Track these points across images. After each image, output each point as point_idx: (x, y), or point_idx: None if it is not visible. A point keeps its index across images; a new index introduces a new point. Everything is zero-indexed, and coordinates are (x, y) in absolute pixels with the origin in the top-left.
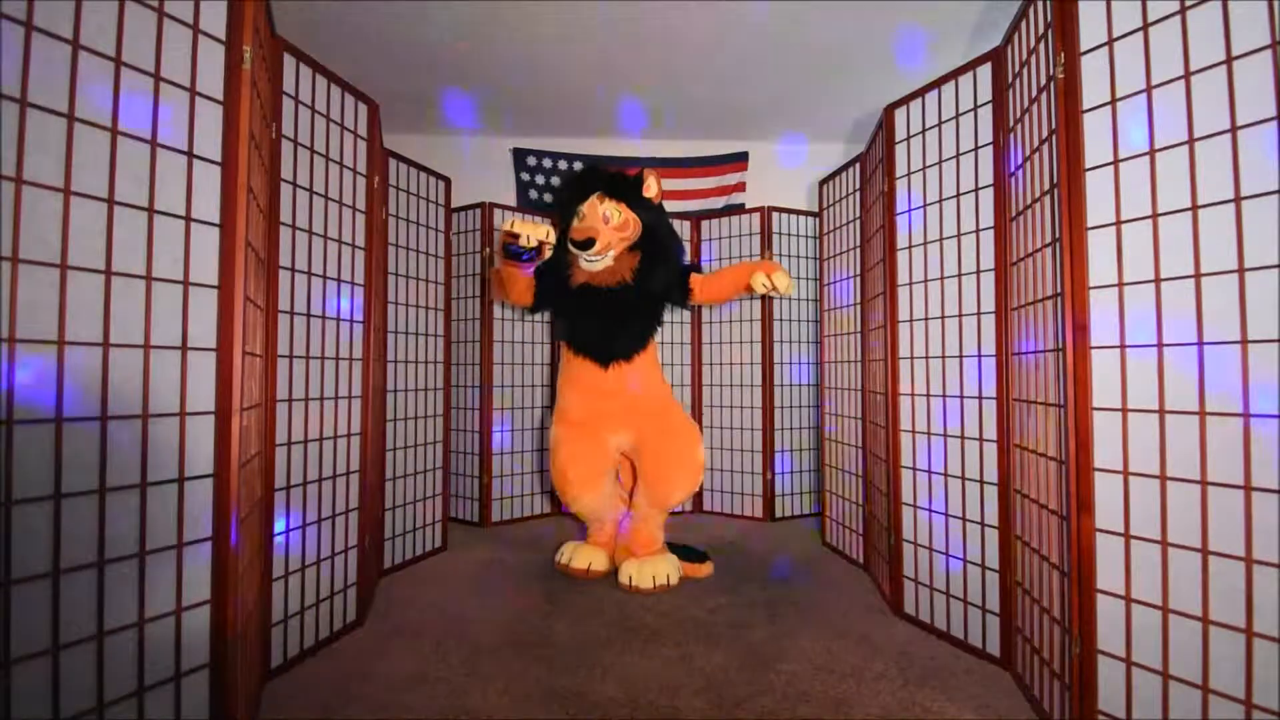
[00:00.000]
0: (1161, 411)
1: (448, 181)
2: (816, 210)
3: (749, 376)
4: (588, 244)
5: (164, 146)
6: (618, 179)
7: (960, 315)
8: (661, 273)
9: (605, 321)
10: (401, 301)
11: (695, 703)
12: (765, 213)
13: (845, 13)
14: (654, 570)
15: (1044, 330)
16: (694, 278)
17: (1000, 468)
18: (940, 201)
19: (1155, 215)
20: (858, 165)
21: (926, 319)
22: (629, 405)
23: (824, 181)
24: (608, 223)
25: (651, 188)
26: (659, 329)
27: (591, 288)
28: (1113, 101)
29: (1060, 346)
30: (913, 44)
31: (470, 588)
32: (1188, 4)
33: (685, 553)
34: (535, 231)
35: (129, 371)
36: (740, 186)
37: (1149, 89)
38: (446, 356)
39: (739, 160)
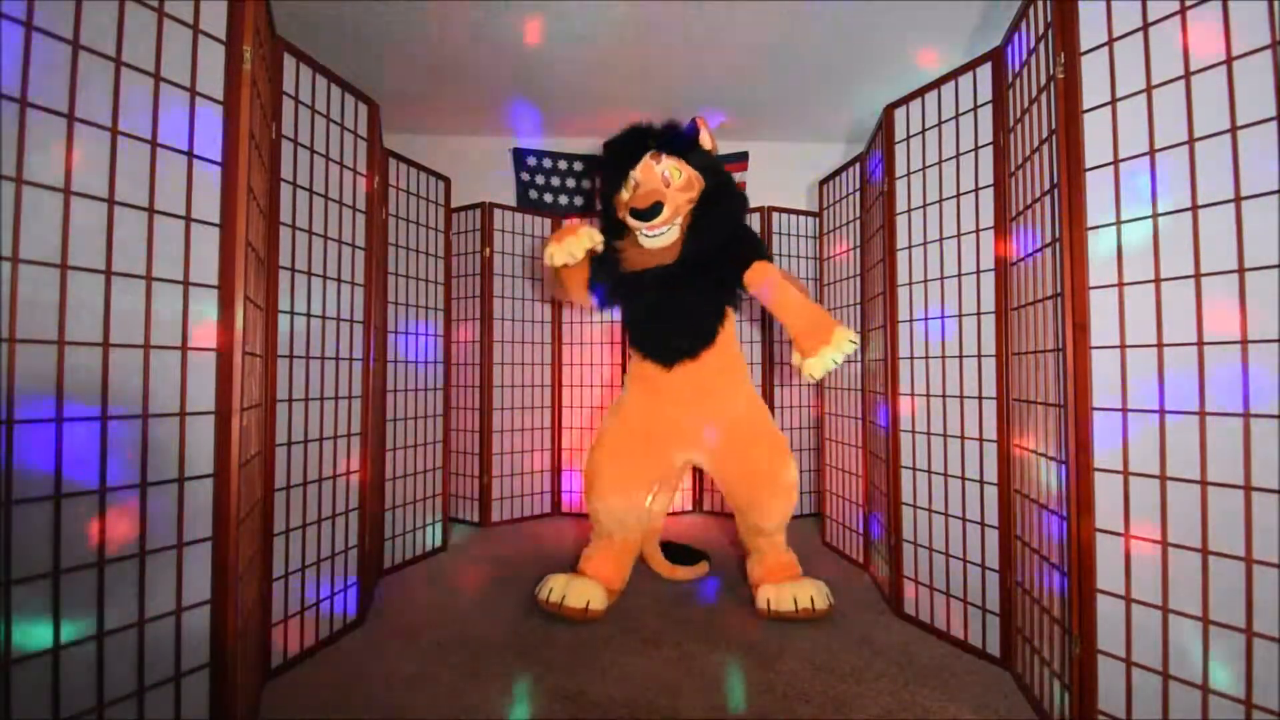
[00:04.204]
0: (1161, 411)
1: (448, 181)
2: (816, 210)
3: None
4: (654, 211)
5: (164, 146)
6: (673, 131)
7: (960, 315)
8: (709, 236)
9: (662, 311)
10: (401, 301)
11: (695, 702)
12: (765, 213)
13: (846, 13)
14: (795, 592)
15: (1044, 330)
16: (759, 265)
17: (1000, 468)
18: (940, 201)
19: (1155, 215)
20: (858, 165)
21: (926, 319)
22: (702, 415)
23: (824, 181)
24: (669, 184)
25: (707, 140)
26: (726, 317)
27: (651, 271)
28: (1113, 101)
29: (1060, 346)
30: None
31: (470, 588)
32: (1188, 4)
33: (683, 552)
34: (574, 245)
35: (129, 371)
36: (740, 186)
37: (1149, 89)
38: (447, 356)
39: (739, 160)
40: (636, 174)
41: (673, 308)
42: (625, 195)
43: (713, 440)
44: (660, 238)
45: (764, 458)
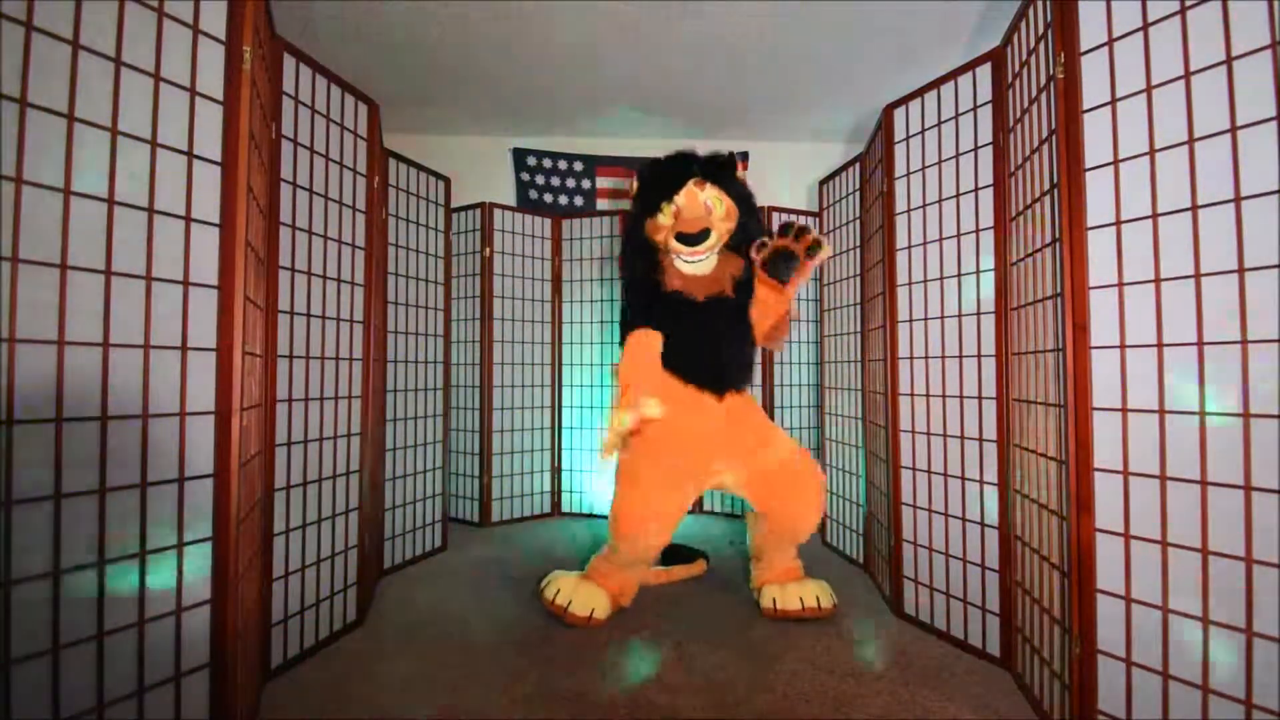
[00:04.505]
0: (1161, 411)
1: (448, 181)
2: (817, 210)
3: None
4: (702, 237)
5: (164, 146)
6: (716, 160)
7: (960, 316)
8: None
9: (714, 341)
10: (401, 301)
11: (695, 702)
12: (765, 213)
13: (846, 12)
14: (800, 592)
15: (1044, 330)
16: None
17: (1000, 468)
18: (940, 201)
19: (1155, 215)
20: (858, 165)
21: (926, 319)
22: (735, 438)
23: (824, 181)
24: (710, 213)
25: (741, 175)
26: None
27: (685, 298)
28: (1113, 101)
29: (1060, 346)
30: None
31: (470, 588)
32: (1188, 4)
33: (681, 551)
34: (625, 420)
35: (129, 371)
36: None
37: (1149, 89)
38: (446, 356)
39: (739, 160)
40: (680, 199)
41: (734, 339)
42: (664, 219)
43: (748, 460)
44: (700, 264)
45: (799, 469)
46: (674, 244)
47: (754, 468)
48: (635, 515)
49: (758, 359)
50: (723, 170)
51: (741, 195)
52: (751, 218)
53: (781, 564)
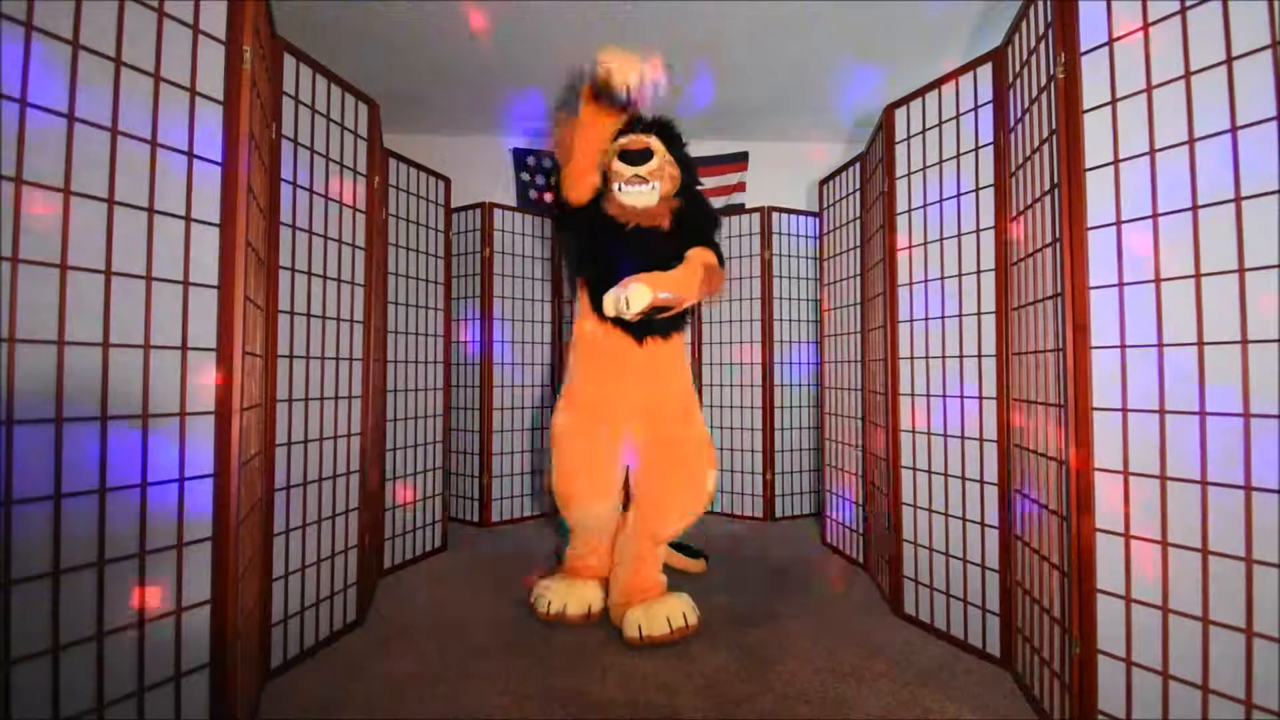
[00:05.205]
0: (1161, 411)
1: (448, 181)
2: (816, 210)
3: (749, 376)
4: (644, 156)
5: (164, 146)
6: (663, 120)
7: (960, 315)
8: (706, 224)
9: (637, 271)
10: (401, 301)
11: (695, 703)
12: (765, 213)
13: (846, 12)
14: (667, 612)
15: (1044, 330)
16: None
17: (1000, 468)
18: (940, 201)
19: (1155, 215)
20: (858, 165)
21: (926, 319)
22: (651, 395)
23: (824, 181)
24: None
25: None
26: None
27: (616, 223)
28: (1113, 101)
29: (1060, 346)
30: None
31: (470, 588)
32: (1188, 4)
33: (682, 548)
34: (629, 69)
35: (129, 371)
36: (740, 186)
37: (1149, 89)
38: (446, 356)
39: (739, 160)
40: (624, 141)
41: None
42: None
43: (651, 424)
44: (639, 195)
45: (692, 460)
46: (617, 164)
47: (649, 436)
48: (572, 479)
49: (687, 310)
50: (668, 130)
51: (684, 160)
52: (693, 178)
53: (647, 574)
